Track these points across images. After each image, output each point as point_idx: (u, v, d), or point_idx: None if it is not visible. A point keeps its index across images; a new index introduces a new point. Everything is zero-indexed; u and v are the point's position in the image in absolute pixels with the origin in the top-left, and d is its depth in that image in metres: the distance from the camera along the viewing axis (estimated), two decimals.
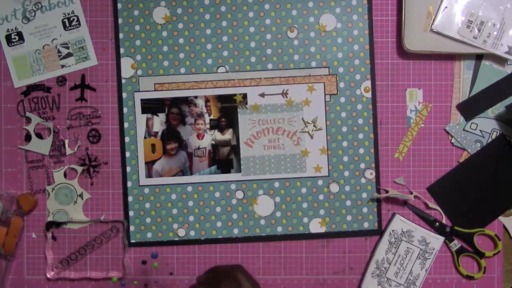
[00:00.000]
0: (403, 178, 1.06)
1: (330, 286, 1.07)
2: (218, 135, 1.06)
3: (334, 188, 1.06)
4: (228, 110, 1.06)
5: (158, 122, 1.06)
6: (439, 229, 1.05)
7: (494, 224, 1.06)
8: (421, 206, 1.07)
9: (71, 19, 1.06)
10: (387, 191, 1.05)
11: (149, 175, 1.06)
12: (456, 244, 1.05)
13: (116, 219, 1.07)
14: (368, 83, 1.05)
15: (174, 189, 1.06)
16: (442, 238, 1.04)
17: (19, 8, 1.06)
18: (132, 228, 1.06)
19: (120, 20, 1.06)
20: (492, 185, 1.04)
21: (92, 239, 1.07)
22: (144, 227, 1.06)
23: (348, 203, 1.06)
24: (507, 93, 1.05)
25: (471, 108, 1.05)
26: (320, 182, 1.06)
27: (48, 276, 1.06)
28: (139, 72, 1.06)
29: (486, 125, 1.05)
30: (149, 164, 1.06)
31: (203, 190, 1.06)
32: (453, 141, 1.05)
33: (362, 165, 1.06)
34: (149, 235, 1.06)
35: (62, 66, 1.07)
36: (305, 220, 1.06)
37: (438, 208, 1.06)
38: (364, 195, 1.06)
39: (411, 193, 1.05)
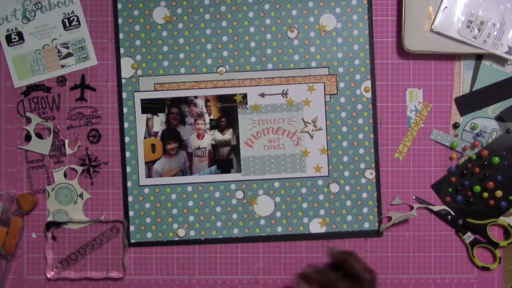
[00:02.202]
0: (398, 198, 1.06)
1: None
2: (218, 135, 1.06)
3: (334, 188, 1.06)
4: (228, 110, 1.06)
5: (158, 122, 1.06)
6: (452, 222, 1.05)
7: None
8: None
9: (71, 19, 1.06)
10: (390, 218, 1.05)
11: (149, 175, 1.06)
12: (469, 236, 1.05)
13: (116, 219, 1.07)
14: (368, 83, 1.05)
15: (174, 189, 1.06)
16: None
17: (19, 8, 1.06)
18: (132, 228, 1.06)
19: (120, 20, 1.06)
20: (496, 181, 1.04)
21: (92, 239, 1.07)
22: (144, 227, 1.06)
23: (348, 203, 1.06)
24: (507, 94, 1.05)
25: (469, 103, 1.05)
26: (320, 182, 1.06)
27: (48, 276, 1.06)
28: (139, 72, 1.06)
29: (486, 125, 1.05)
30: (149, 164, 1.06)
31: (203, 190, 1.06)
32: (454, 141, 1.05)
33: (362, 165, 1.06)
34: (149, 235, 1.06)
35: (62, 66, 1.07)
36: (305, 220, 1.06)
37: (446, 208, 1.06)
38: (364, 195, 1.06)
39: (412, 208, 1.05)
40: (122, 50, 1.06)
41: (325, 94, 1.06)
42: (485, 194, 1.04)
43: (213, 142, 1.06)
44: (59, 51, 1.07)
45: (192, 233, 1.07)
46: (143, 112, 1.06)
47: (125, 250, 1.07)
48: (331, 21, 1.05)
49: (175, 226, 1.07)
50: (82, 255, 1.08)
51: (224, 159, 1.06)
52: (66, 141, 1.07)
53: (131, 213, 1.06)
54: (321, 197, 1.06)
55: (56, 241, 1.08)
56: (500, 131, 1.05)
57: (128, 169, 1.06)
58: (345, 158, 1.06)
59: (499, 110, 1.05)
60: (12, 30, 1.06)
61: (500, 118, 1.05)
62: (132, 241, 1.07)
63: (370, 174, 1.06)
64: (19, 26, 1.06)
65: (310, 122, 1.05)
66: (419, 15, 1.03)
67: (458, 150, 1.05)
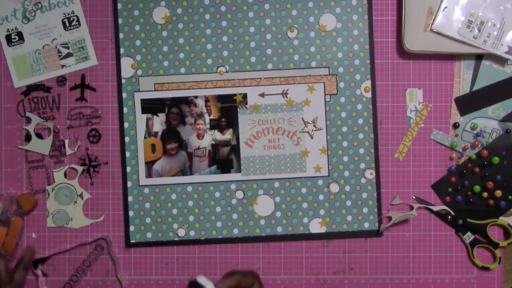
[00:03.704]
0: (398, 198, 1.06)
1: (330, 286, 1.07)
2: (218, 135, 1.06)
3: (334, 188, 1.06)
4: (228, 110, 1.06)
5: (158, 122, 1.06)
6: (452, 222, 1.05)
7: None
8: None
9: (71, 19, 1.06)
10: (390, 218, 1.05)
11: (149, 175, 1.06)
12: (469, 236, 1.05)
13: (100, 236, 1.07)
14: (368, 83, 1.05)
15: (174, 189, 1.06)
16: None
17: (19, 8, 1.06)
18: (132, 228, 1.06)
19: (120, 20, 1.06)
20: (496, 181, 1.04)
21: (81, 263, 1.07)
22: (144, 227, 1.06)
23: (348, 203, 1.06)
24: (507, 94, 1.05)
25: (469, 103, 1.05)
26: (320, 182, 1.06)
27: None
28: (139, 72, 1.06)
29: (486, 125, 1.05)
30: (149, 164, 1.06)
31: (203, 190, 1.06)
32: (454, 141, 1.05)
33: (362, 165, 1.06)
34: (149, 235, 1.06)
35: (62, 66, 1.07)
36: (305, 220, 1.06)
37: (446, 208, 1.05)
38: (364, 195, 1.06)
39: (412, 207, 1.05)
40: (122, 50, 1.06)
41: (325, 94, 1.06)
42: (485, 194, 1.04)
43: (213, 142, 1.06)
44: (59, 51, 1.07)
45: (192, 233, 1.07)
46: (143, 112, 1.06)
47: (116, 265, 1.06)
48: (331, 21, 1.05)
49: (175, 226, 1.07)
50: (75, 282, 1.07)
51: (224, 159, 1.06)
52: (66, 141, 1.07)
53: (131, 213, 1.06)
54: (321, 197, 1.06)
55: (48, 276, 1.08)
56: (500, 131, 1.05)
57: (128, 169, 1.06)
58: (345, 158, 1.06)
59: (499, 110, 1.05)
60: (12, 30, 1.06)
61: (502, 119, 1.05)
62: (132, 241, 1.07)
63: (370, 174, 1.06)
64: (19, 26, 1.06)
65: (310, 122, 1.05)
66: (419, 15, 1.03)
67: (458, 150, 1.06)
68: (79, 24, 1.06)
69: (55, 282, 1.08)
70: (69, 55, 1.07)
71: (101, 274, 1.08)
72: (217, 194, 1.06)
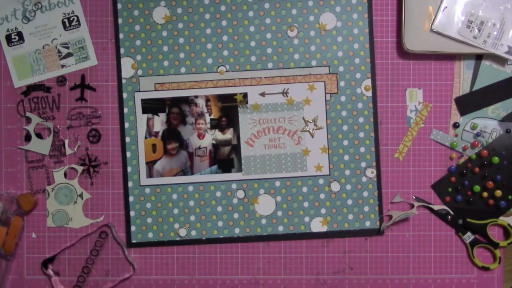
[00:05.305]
0: (398, 196, 1.06)
1: (330, 286, 1.07)
2: (218, 135, 1.06)
3: (335, 187, 1.06)
4: (228, 110, 1.06)
5: (159, 122, 1.06)
6: (452, 222, 1.05)
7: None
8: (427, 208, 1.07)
9: (71, 19, 1.06)
10: (391, 217, 1.05)
11: (150, 175, 1.06)
12: (469, 236, 1.05)
13: (101, 224, 1.07)
14: (368, 82, 1.05)
15: (175, 189, 1.06)
16: None
17: (19, 8, 1.06)
18: (133, 228, 1.06)
19: (120, 20, 1.06)
20: (496, 181, 1.05)
21: (89, 253, 1.07)
22: (145, 227, 1.06)
23: (350, 202, 1.06)
24: (507, 94, 1.05)
25: (469, 103, 1.05)
26: (321, 181, 1.06)
27: None
28: (140, 72, 1.06)
29: (486, 125, 1.05)
30: (150, 164, 1.06)
31: (204, 189, 1.06)
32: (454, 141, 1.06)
33: (363, 164, 1.06)
34: (150, 235, 1.06)
35: (62, 66, 1.07)
36: (307, 219, 1.06)
37: (446, 207, 1.06)
38: (365, 194, 1.06)
39: (413, 206, 1.05)
40: (122, 50, 1.06)
41: (325, 93, 1.06)
42: (485, 194, 1.05)
43: (214, 142, 1.06)
44: (59, 51, 1.06)
45: (193, 233, 1.06)
46: (143, 112, 1.06)
47: (124, 248, 1.06)
48: (331, 20, 1.05)
49: (177, 226, 1.06)
50: (87, 273, 1.07)
51: (225, 158, 1.06)
52: (66, 141, 1.07)
53: (132, 213, 1.06)
54: (322, 196, 1.06)
55: (60, 274, 1.07)
56: (500, 131, 1.05)
57: (129, 169, 1.06)
58: (346, 157, 1.06)
59: (499, 110, 1.05)
60: (12, 30, 1.06)
61: (502, 119, 1.05)
62: (134, 241, 1.06)
63: (371, 172, 1.06)
64: (19, 26, 1.06)
65: (311, 121, 1.06)
66: (419, 15, 1.03)
67: (458, 150, 1.06)
68: (79, 24, 1.06)
69: (68, 278, 1.08)
70: (69, 55, 1.07)
71: (112, 260, 1.08)
72: (218, 194, 1.06)
